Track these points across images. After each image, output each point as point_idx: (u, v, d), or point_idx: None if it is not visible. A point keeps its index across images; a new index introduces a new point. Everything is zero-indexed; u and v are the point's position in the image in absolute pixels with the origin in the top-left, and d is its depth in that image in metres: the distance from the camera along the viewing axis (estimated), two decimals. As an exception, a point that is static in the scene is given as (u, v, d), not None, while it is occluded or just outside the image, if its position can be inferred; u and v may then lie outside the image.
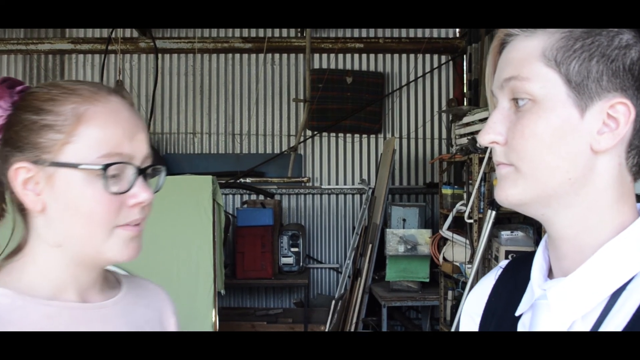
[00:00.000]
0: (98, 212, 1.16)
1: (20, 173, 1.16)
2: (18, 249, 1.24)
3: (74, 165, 1.15)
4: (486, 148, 4.91)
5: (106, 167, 1.15)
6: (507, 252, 4.59)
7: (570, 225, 1.03)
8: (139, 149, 1.21)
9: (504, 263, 1.30)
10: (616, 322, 0.98)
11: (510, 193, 1.04)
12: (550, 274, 1.11)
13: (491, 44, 1.12)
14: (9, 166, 1.17)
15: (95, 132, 1.16)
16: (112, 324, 1.26)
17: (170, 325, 1.45)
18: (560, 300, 1.03)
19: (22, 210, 1.22)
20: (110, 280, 1.35)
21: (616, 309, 0.99)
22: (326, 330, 6.77)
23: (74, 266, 1.22)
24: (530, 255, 1.18)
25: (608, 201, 1.02)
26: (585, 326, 1.00)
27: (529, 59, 1.01)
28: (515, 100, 1.03)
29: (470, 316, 1.29)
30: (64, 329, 1.16)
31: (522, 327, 1.12)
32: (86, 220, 1.16)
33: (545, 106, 0.99)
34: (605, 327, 0.98)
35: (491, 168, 4.90)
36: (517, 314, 1.12)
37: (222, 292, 5.41)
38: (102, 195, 1.15)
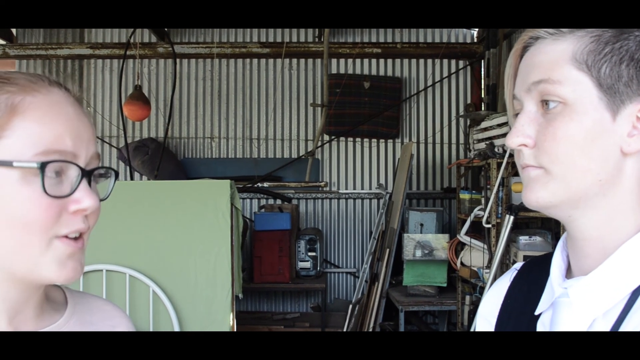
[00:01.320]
0: (35, 217, 0.98)
1: None
2: None
3: (7, 163, 0.97)
4: (504, 153, 4.90)
5: (44, 165, 0.97)
6: (525, 257, 4.56)
7: (596, 226, 1.04)
8: (84, 148, 1.04)
9: (518, 265, 1.31)
10: (636, 320, 0.99)
11: (541, 195, 1.04)
12: (568, 274, 1.12)
13: (514, 47, 1.12)
14: None
15: (32, 126, 0.99)
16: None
17: None
18: (581, 298, 1.04)
19: None
20: (53, 301, 1.17)
21: (636, 306, 0.99)
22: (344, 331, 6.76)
23: (3, 285, 1.03)
24: (545, 258, 1.20)
25: (633, 202, 1.03)
26: (607, 323, 1.01)
27: (559, 62, 1.02)
28: (543, 102, 1.03)
29: (485, 318, 1.30)
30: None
31: (541, 326, 1.12)
32: (22, 228, 0.98)
33: (577, 109, 1.00)
34: (626, 324, 0.99)
35: (509, 173, 4.89)
36: (537, 312, 1.13)
37: (240, 296, 5.41)
38: (40, 198, 0.98)
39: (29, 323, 1.09)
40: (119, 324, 1.26)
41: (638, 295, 1.00)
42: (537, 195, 1.04)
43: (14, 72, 1.06)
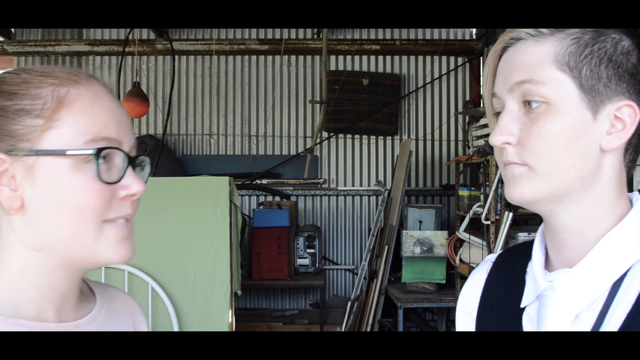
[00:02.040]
0: (90, 204, 1.02)
1: None
2: None
3: (60, 152, 1.01)
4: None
5: (99, 151, 1.03)
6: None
7: (577, 219, 1.09)
8: (127, 136, 1.09)
9: (493, 257, 1.35)
10: (620, 310, 1.03)
11: (525, 191, 1.08)
12: (547, 266, 1.17)
13: (493, 47, 1.16)
14: None
15: (80, 116, 1.03)
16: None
17: None
18: (567, 291, 1.08)
19: None
20: (84, 291, 1.21)
21: (619, 296, 1.04)
22: (342, 331, 6.77)
23: (55, 273, 1.08)
24: (520, 248, 1.27)
25: (610, 195, 1.09)
26: (592, 314, 1.06)
27: (540, 64, 1.06)
28: (526, 102, 1.07)
29: (465, 312, 1.34)
30: (37, 356, 1.01)
31: (527, 318, 1.16)
32: (76, 214, 1.02)
33: (561, 109, 1.04)
34: (610, 315, 1.04)
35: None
36: (522, 305, 1.17)
37: (239, 292, 5.41)
38: (93, 184, 1.03)
39: (70, 313, 1.13)
40: (136, 312, 1.32)
41: (619, 285, 1.05)
42: (522, 191, 1.08)
43: (50, 67, 1.11)
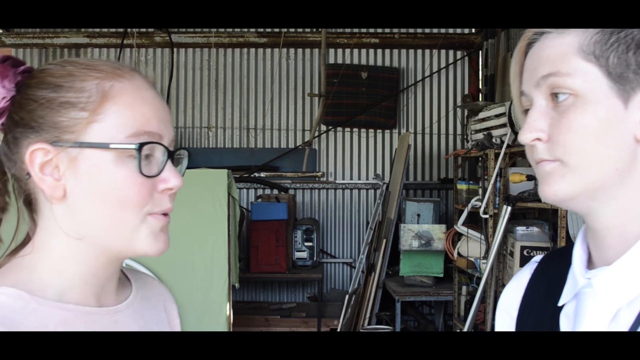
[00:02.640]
0: (131, 196, 1.06)
1: (37, 156, 1.05)
2: (23, 243, 1.14)
3: (103, 146, 1.04)
4: (502, 143, 4.90)
5: (141, 146, 1.05)
6: (523, 248, 4.58)
7: (616, 215, 1.04)
8: (167, 131, 1.12)
9: (538, 258, 1.31)
10: None
11: (559, 188, 1.04)
12: (590, 265, 1.12)
13: (518, 44, 1.13)
14: (22, 149, 1.07)
15: (123, 110, 1.06)
16: (126, 330, 1.16)
17: (176, 326, 1.36)
18: (606, 288, 1.04)
19: (28, 199, 1.12)
20: (120, 278, 1.24)
21: None
22: (339, 324, 6.78)
23: (95, 261, 1.11)
24: (565, 250, 1.20)
25: None
26: (632, 313, 1.01)
27: (566, 55, 1.02)
28: (553, 96, 1.03)
29: (506, 311, 1.30)
30: (79, 336, 1.05)
31: (565, 317, 1.12)
32: (117, 206, 1.06)
33: (590, 99, 1.00)
34: None
35: (507, 163, 4.89)
36: (560, 303, 1.13)
37: (237, 285, 5.42)
38: (135, 177, 1.05)
39: (110, 298, 1.17)
40: (167, 298, 1.36)
41: None
42: (555, 188, 1.04)
43: (94, 59, 1.13)
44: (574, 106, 1.01)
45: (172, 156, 1.12)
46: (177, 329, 1.36)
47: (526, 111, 1.09)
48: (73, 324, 1.07)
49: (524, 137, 1.06)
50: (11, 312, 1.01)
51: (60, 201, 1.07)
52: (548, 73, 1.03)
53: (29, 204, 1.13)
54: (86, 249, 1.10)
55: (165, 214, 1.13)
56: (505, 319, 1.29)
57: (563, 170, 1.03)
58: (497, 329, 1.32)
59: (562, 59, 1.02)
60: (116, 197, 1.05)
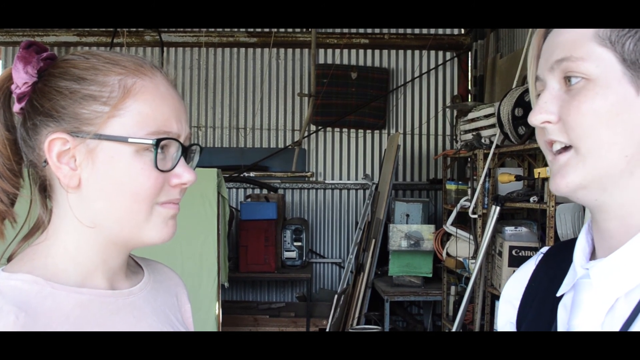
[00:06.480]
0: (145, 188, 1.10)
1: (56, 145, 1.08)
2: (37, 230, 1.17)
3: (122, 139, 1.08)
4: (491, 144, 4.92)
5: (158, 142, 1.09)
6: (511, 248, 4.60)
7: (621, 205, 1.04)
8: (183, 129, 1.15)
9: (545, 249, 1.31)
10: None
11: (571, 179, 1.03)
12: (593, 257, 1.12)
13: (536, 30, 1.13)
14: (41, 137, 1.09)
15: (143, 108, 1.10)
16: (139, 312, 1.19)
17: (187, 311, 1.40)
18: (603, 279, 1.04)
19: (43, 186, 1.15)
20: (131, 264, 1.28)
21: None
22: (328, 324, 6.79)
23: (106, 248, 1.15)
24: (572, 242, 1.18)
25: None
26: (629, 304, 1.01)
27: (581, 40, 1.02)
28: (566, 80, 1.03)
29: (509, 301, 1.30)
30: (94, 318, 1.10)
31: (562, 307, 1.12)
32: (130, 197, 1.10)
33: (601, 84, 1.00)
34: None
35: (495, 164, 4.92)
36: (558, 294, 1.13)
37: (226, 284, 5.42)
38: (150, 171, 1.09)
39: (123, 283, 1.21)
40: (178, 284, 1.41)
41: None
42: (568, 180, 1.04)
43: (116, 53, 1.16)
44: (585, 89, 1.01)
45: (186, 152, 1.16)
46: (189, 314, 1.41)
47: (540, 96, 1.08)
48: (88, 307, 1.10)
49: (534, 119, 1.06)
50: (27, 297, 1.04)
51: (75, 190, 1.10)
52: (562, 57, 1.03)
53: (44, 189, 1.16)
54: (97, 237, 1.13)
55: (174, 204, 1.17)
56: (508, 309, 1.29)
57: (576, 159, 1.02)
58: (500, 318, 1.32)
59: (577, 44, 1.02)
60: (131, 188, 1.09)
